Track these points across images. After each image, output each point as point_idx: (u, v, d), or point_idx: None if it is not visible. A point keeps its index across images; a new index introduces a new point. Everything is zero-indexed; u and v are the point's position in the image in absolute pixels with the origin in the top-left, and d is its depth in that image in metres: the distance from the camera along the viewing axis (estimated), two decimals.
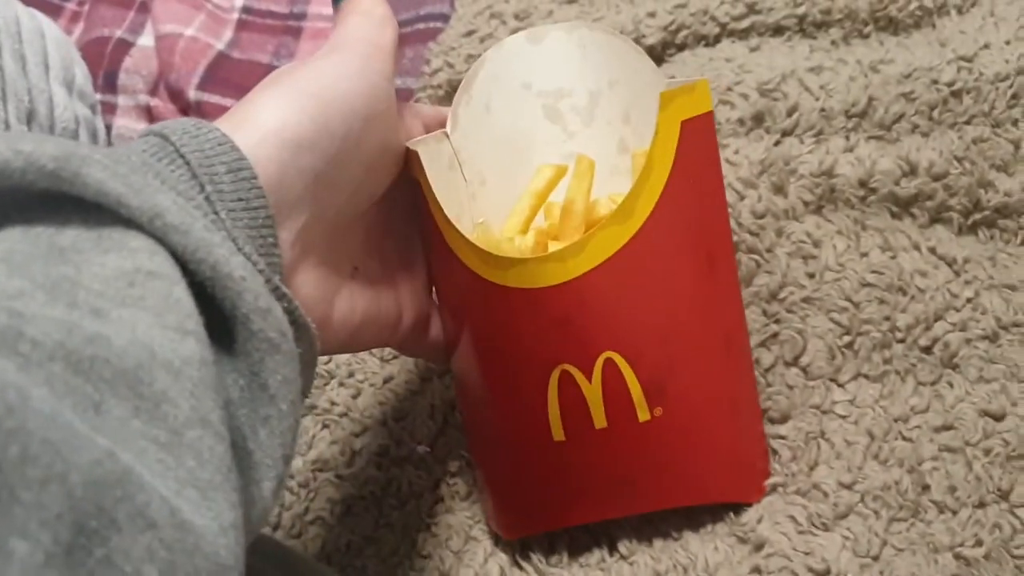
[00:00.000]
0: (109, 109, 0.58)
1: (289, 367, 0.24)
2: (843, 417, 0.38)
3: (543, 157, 0.39)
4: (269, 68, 0.57)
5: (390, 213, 0.34)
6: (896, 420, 0.37)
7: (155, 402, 0.20)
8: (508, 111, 0.38)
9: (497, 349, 0.33)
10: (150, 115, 0.57)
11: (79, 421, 0.18)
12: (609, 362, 0.31)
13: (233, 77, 0.56)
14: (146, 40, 0.59)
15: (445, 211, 0.32)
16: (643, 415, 0.32)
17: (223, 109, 0.54)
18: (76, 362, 0.19)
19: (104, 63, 0.58)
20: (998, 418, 0.36)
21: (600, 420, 0.32)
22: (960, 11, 0.49)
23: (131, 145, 0.26)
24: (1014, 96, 0.44)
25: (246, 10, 0.60)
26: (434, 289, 0.36)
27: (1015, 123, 0.44)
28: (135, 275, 0.22)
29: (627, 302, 0.31)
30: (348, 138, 0.28)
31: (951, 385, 0.37)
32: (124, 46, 0.59)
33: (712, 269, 0.33)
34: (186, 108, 0.55)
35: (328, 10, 0.59)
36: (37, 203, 0.22)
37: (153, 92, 0.57)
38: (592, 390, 0.31)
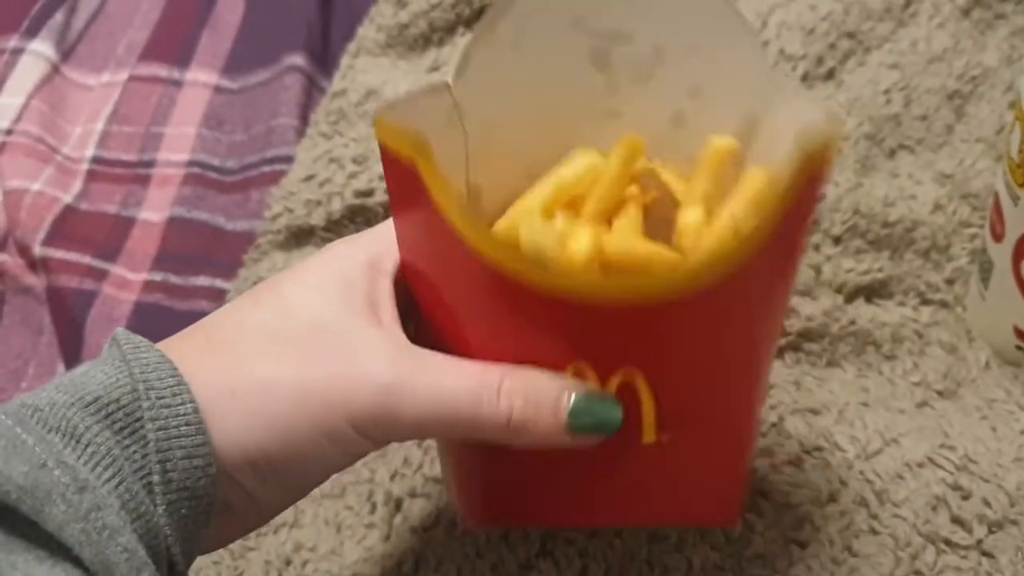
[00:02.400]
0: None
1: None
2: (663, 539, 0.39)
3: (574, 112, 0.33)
4: (116, 218, 0.57)
5: None
6: (712, 549, 0.38)
7: None
8: (544, 49, 0.32)
9: (505, 337, 0.29)
10: None
11: None
12: (627, 385, 0.29)
13: (80, 230, 0.56)
14: None
15: (459, 207, 0.26)
16: (648, 437, 0.30)
17: (69, 265, 0.54)
18: None
19: None
20: (804, 546, 0.38)
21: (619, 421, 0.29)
22: None
23: (102, 381, 0.26)
24: (814, 223, 0.47)
25: (96, 160, 0.60)
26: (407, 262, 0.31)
27: (816, 248, 0.46)
28: None
29: (677, 341, 0.28)
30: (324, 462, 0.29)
31: (760, 514, 0.39)
32: None
33: (773, 317, 0.30)
34: (33, 264, 0.55)
35: (177, 156, 0.60)
36: None
37: (1, 248, 0.57)
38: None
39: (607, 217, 0.32)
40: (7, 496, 0.23)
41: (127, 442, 0.26)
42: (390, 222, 0.31)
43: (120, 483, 0.25)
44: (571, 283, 0.26)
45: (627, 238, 0.31)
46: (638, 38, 0.32)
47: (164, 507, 0.26)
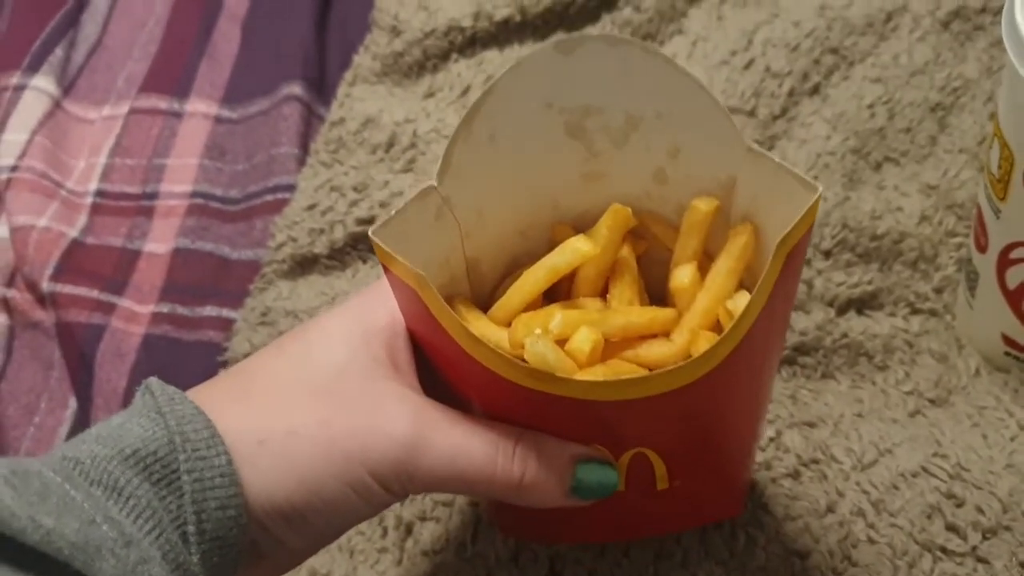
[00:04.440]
0: None
1: None
2: (669, 557, 0.40)
3: (558, 178, 0.35)
4: (122, 251, 0.58)
5: None
6: (717, 564, 0.39)
7: None
8: (519, 134, 0.34)
9: (524, 422, 0.31)
10: (7, 306, 0.58)
11: None
12: (639, 453, 0.31)
13: (87, 264, 0.57)
14: (1, 231, 0.60)
15: (465, 329, 0.28)
16: (662, 485, 0.33)
17: (77, 299, 0.55)
18: None
19: None
20: (803, 556, 0.39)
21: (619, 484, 0.32)
22: None
23: (140, 435, 0.28)
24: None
25: (100, 193, 0.61)
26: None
27: (807, 263, 0.47)
28: None
29: (676, 423, 0.31)
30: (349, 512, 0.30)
31: (762, 527, 0.40)
32: None
33: (765, 378, 0.33)
34: (42, 299, 0.57)
35: (180, 187, 0.61)
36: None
37: (10, 283, 0.58)
38: (618, 464, 0.32)
39: (604, 276, 0.34)
40: (60, 553, 0.24)
41: (164, 493, 0.27)
42: None
43: (160, 535, 0.26)
44: (577, 389, 0.28)
45: (624, 314, 0.33)
46: (608, 110, 0.34)
47: (199, 556, 0.27)
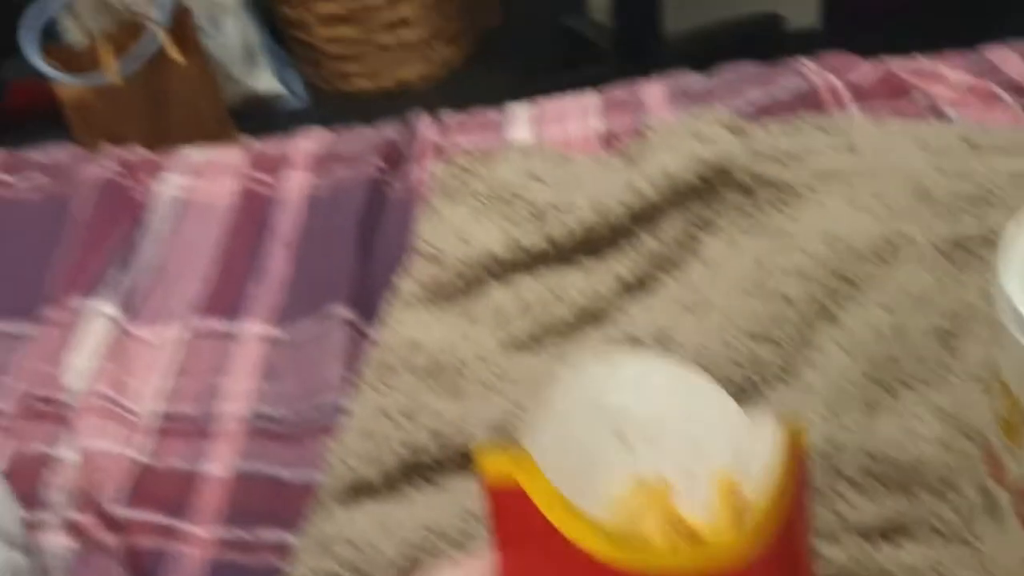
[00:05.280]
0: (33, 526, 0.61)
1: None
2: None
3: (607, 477, 0.38)
4: (186, 474, 0.62)
5: None
6: None
7: None
8: (579, 430, 0.38)
9: None
10: (76, 530, 0.61)
11: None
12: None
13: (152, 488, 0.61)
14: (68, 453, 0.64)
15: (564, 502, 0.31)
16: None
17: (143, 524, 0.59)
18: None
19: (28, 479, 0.62)
20: None
21: None
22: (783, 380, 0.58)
23: None
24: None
25: (164, 416, 0.65)
26: None
27: (838, 495, 0.51)
28: None
29: None
30: None
31: None
32: (46, 460, 0.63)
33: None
34: (109, 523, 0.60)
35: (237, 408, 0.65)
36: None
37: (80, 508, 0.61)
38: None
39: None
40: None
41: None
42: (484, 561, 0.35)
43: None
44: (666, 562, 0.31)
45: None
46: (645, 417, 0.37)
47: None
